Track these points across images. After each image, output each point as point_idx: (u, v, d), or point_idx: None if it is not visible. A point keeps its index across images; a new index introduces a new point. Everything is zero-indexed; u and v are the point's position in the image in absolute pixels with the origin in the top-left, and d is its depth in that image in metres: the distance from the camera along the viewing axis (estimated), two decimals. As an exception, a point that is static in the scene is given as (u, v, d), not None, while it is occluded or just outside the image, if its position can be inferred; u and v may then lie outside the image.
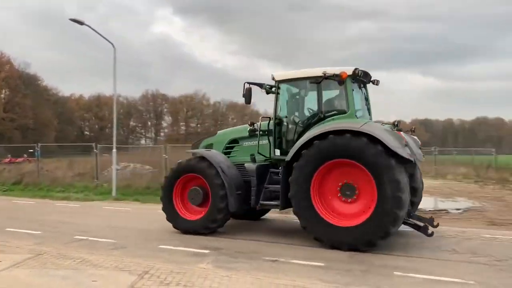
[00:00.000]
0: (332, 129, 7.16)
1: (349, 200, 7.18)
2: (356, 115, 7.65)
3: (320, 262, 6.34)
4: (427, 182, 18.22)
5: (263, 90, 8.64)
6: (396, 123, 8.28)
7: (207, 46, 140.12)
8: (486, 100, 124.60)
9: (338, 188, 7.25)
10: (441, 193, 15.71)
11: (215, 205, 8.11)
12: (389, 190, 6.65)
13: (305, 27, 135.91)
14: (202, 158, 8.37)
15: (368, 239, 6.82)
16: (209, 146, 9.25)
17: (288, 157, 7.60)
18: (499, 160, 29.02)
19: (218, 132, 9.76)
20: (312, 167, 7.22)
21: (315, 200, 7.28)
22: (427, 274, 5.76)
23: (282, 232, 8.84)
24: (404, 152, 6.86)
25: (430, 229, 7.35)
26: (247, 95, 8.32)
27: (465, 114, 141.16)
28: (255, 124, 8.56)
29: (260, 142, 8.36)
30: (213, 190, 8.12)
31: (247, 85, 8.33)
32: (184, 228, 8.45)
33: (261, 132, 8.39)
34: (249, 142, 8.73)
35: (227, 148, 9.07)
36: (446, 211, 11.74)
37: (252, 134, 8.50)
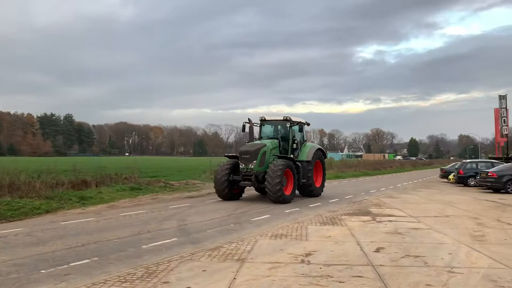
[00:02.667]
0: (318, 147, 18.55)
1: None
2: None
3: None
4: None
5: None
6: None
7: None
8: None
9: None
10: None
11: (295, 186, 15.95)
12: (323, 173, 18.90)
13: None
14: (289, 160, 16.12)
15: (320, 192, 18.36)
16: (264, 153, 15.98)
17: (309, 158, 17.34)
18: None
19: (267, 144, 16.40)
20: (314, 162, 17.61)
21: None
22: None
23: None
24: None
25: None
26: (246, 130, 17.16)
27: None
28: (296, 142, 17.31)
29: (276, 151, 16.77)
30: (295, 177, 15.95)
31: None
32: (288, 200, 15.25)
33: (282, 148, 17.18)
34: (274, 151, 16.43)
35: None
36: None
37: (296, 147, 17.18)
